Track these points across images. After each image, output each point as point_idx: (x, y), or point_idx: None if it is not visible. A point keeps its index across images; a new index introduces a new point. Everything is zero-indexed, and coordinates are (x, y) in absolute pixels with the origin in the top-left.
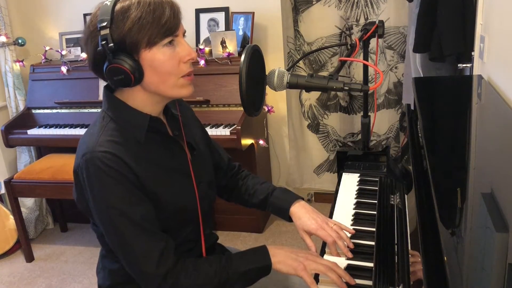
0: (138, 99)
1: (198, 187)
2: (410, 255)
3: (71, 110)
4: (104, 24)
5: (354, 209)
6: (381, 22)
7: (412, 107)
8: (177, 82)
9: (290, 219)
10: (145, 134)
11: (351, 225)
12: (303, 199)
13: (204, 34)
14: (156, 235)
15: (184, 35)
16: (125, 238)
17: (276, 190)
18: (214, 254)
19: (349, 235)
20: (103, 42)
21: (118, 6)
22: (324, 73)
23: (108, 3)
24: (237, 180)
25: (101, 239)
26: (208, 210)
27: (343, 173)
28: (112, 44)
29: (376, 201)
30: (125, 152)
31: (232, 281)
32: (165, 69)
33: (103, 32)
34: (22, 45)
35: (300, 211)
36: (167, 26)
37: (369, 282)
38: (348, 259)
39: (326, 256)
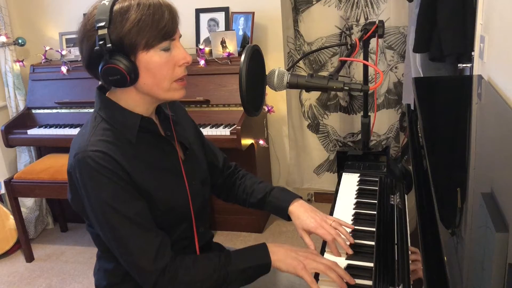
0: (130, 99)
1: (191, 186)
2: (410, 252)
3: (71, 110)
4: (102, 24)
5: (354, 209)
6: (381, 22)
7: (412, 107)
8: (171, 86)
9: (288, 218)
10: (136, 134)
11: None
12: (301, 198)
13: (204, 34)
14: (152, 231)
15: (179, 40)
16: (121, 235)
17: (274, 189)
18: (210, 252)
19: (348, 230)
20: (101, 42)
21: (117, 7)
22: (324, 73)
23: (106, 3)
24: (235, 179)
25: (97, 240)
26: (202, 208)
27: (343, 173)
28: (110, 45)
29: (376, 201)
30: (116, 151)
31: (231, 278)
32: (160, 72)
33: (100, 32)
34: (22, 45)
35: (299, 210)
36: (165, 30)
37: (369, 282)
38: (348, 258)
39: (326, 255)
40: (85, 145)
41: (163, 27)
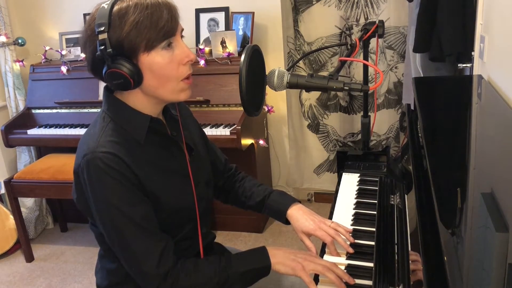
0: (137, 100)
1: (196, 187)
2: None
3: (71, 110)
4: (102, 28)
5: (354, 209)
6: (381, 22)
7: (412, 107)
8: (177, 86)
9: (286, 222)
10: (145, 135)
11: (351, 225)
12: (300, 201)
13: (204, 34)
14: (156, 235)
15: (182, 34)
16: (126, 238)
17: (273, 193)
18: (211, 253)
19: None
20: (102, 47)
21: (115, 10)
22: (324, 73)
23: (106, 6)
24: (234, 182)
25: (100, 239)
26: (206, 209)
27: (343, 173)
28: (110, 50)
29: (376, 201)
30: (125, 152)
31: (231, 281)
32: (164, 73)
33: (101, 36)
34: (22, 45)
35: (298, 213)
36: (165, 30)
37: (369, 282)
38: (348, 258)
39: (326, 257)
40: (94, 146)
41: (163, 27)
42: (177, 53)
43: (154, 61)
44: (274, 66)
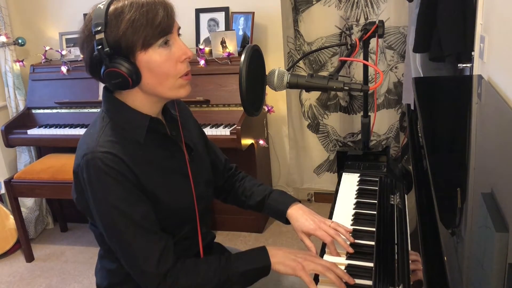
0: (137, 100)
1: (196, 187)
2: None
3: (71, 110)
4: (99, 28)
5: (354, 209)
6: (381, 22)
7: (412, 107)
8: (175, 83)
9: (286, 222)
10: (145, 134)
11: (351, 225)
12: (300, 201)
13: (204, 34)
14: (156, 234)
15: (179, 32)
16: (126, 238)
17: (273, 192)
18: (211, 253)
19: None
20: (99, 47)
21: (111, 9)
22: (324, 73)
23: (102, 6)
24: (234, 181)
25: (100, 239)
26: (206, 209)
27: (343, 173)
28: (107, 49)
29: (376, 201)
30: (125, 152)
31: (231, 281)
32: (162, 70)
33: (98, 36)
34: (22, 45)
35: (297, 212)
36: (161, 27)
37: (369, 282)
38: (348, 258)
39: (326, 257)
40: (94, 146)
41: (158, 25)
42: (174, 51)
43: (151, 59)
44: (274, 66)
